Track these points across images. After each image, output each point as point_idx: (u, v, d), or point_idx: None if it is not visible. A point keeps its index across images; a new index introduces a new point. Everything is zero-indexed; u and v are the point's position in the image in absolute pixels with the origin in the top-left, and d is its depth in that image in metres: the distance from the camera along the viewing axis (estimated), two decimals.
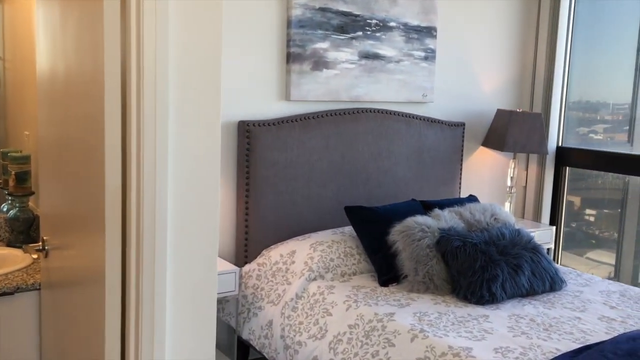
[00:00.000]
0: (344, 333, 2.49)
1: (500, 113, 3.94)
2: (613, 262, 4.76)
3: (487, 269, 2.68)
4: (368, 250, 2.97)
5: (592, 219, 4.82)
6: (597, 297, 2.80)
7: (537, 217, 4.23)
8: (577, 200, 4.63)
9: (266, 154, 3.10)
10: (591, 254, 4.70)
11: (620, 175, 4.41)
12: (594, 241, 4.66)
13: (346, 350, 2.43)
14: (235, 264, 3.15)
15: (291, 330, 2.69)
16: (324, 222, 3.29)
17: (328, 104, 3.37)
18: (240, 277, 3.04)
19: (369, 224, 3.01)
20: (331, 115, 3.33)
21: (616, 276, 4.78)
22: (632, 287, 2.99)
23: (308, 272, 2.85)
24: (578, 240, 4.71)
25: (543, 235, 3.90)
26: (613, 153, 4.12)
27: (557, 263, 4.26)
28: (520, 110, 3.97)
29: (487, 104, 4.08)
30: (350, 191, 3.41)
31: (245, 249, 3.13)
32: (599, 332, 2.37)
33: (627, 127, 4.75)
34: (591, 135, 4.60)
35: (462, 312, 2.52)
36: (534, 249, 2.87)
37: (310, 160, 3.25)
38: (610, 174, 4.38)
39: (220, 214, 3.09)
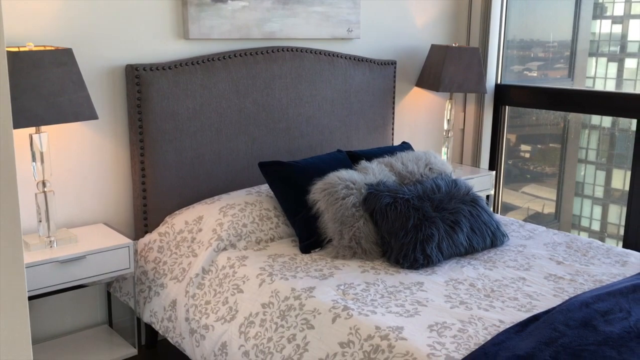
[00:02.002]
0: (257, 314, 2.11)
1: (434, 49, 3.55)
2: (545, 195, 4.73)
3: (421, 228, 2.33)
4: (287, 212, 2.57)
5: (527, 155, 4.77)
6: (541, 252, 2.51)
7: (475, 162, 3.93)
8: (512, 138, 4.49)
9: (163, 103, 2.62)
10: (526, 189, 4.59)
11: (559, 113, 4.21)
12: (528, 176, 4.54)
13: (259, 334, 2.05)
14: (134, 236, 2.70)
15: (197, 312, 2.29)
16: (238, 182, 2.86)
17: (236, 43, 2.88)
18: (137, 251, 2.59)
19: (288, 182, 2.60)
20: (241, 55, 2.85)
21: (557, 210, 4.68)
22: (578, 237, 2.72)
23: (216, 242, 2.44)
24: (514, 176, 4.65)
25: (483, 181, 3.60)
26: (555, 89, 3.83)
27: (497, 211, 4.00)
28: (456, 45, 3.59)
29: (420, 39, 3.68)
30: (268, 144, 2.98)
31: (144, 217, 2.67)
32: (546, 295, 2.08)
33: (561, 64, 4.56)
34: (525, 72, 4.38)
35: (393, 281, 2.17)
36: (473, 201, 2.54)
37: (218, 109, 2.79)
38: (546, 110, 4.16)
39: (110, 178, 2.61)
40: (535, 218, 4.58)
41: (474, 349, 1.69)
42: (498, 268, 2.32)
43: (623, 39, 4.50)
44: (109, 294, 2.71)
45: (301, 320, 1.99)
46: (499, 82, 3.89)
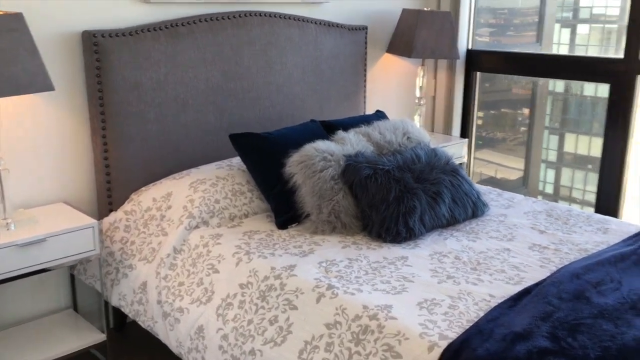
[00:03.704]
0: (235, 295, 2.00)
1: (406, 13, 3.43)
2: (498, 160, 4.76)
3: (402, 200, 2.24)
4: (261, 187, 2.45)
5: (479, 122, 4.76)
6: (523, 221, 2.46)
7: (447, 130, 3.87)
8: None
9: (124, 73, 2.43)
10: (478, 154, 4.57)
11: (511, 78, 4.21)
12: (481, 142, 4.54)
13: (238, 316, 1.95)
14: (98, 215, 2.53)
15: (170, 294, 2.17)
16: (207, 155, 2.71)
17: (200, 7, 2.70)
18: (102, 231, 2.44)
19: (261, 155, 2.47)
20: (206, 21, 2.67)
21: (526, 173, 4.70)
22: (557, 205, 2.69)
23: (188, 219, 2.30)
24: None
25: (456, 149, 3.55)
26: (528, 54, 3.77)
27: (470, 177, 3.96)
28: (428, 9, 3.47)
29: (391, 3, 3.55)
30: (238, 115, 2.83)
31: (108, 195, 2.51)
32: (533, 267, 2.03)
33: (512, 30, 4.55)
34: (477, 38, 4.32)
35: (376, 256, 2.09)
36: (454, 171, 2.47)
37: (184, 79, 2.62)
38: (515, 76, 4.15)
39: (70, 153, 2.43)
40: (490, 182, 4.57)
41: (467, 326, 1.62)
42: (481, 239, 2.26)
43: (575, 5, 4.51)
44: (72, 277, 2.55)
45: (283, 300, 1.89)
46: (470, 47, 3.80)
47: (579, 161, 4.82)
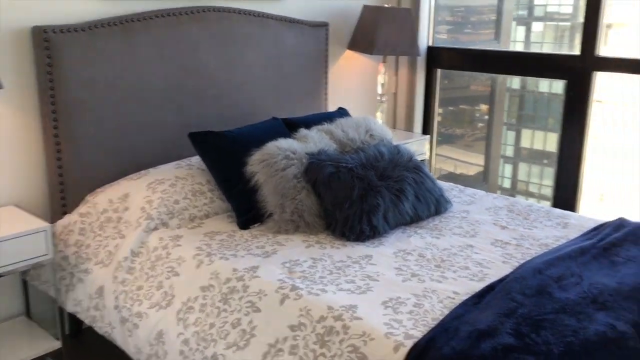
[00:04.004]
0: (196, 298, 1.95)
1: (366, 10, 3.41)
2: (457, 156, 4.80)
3: (366, 198, 2.22)
4: (222, 186, 2.39)
5: (440, 118, 4.80)
6: (485, 217, 2.48)
7: (409, 127, 3.88)
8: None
9: (78, 70, 2.35)
10: (438, 150, 4.60)
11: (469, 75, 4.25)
12: (441, 138, 4.58)
13: (199, 320, 1.89)
14: (51, 218, 2.43)
15: (128, 299, 2.10)
16: (166, 155, 2.63)
17: (157, 2, 2.62)
18: (55, 234, 2.34)
19: (221, 153, 2.42)
20: (163, 16, 2.59)
21: (486, 169, 4.76)
22: (518, 200, 2.72)
23: (146, 221, 2.23)
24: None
25: (418, 145, 3.55)
26: (488, 51, 3.81)
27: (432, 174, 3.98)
28: (389, 5, 3.47)
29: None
30: (198, 113, 2.76)
31: (61, 197, 2.41)
32: (496, 263, 2.04)
33: (470, 28, 4.61)
34: (436, 35, 4.36)
35: (340, 255, 2.06)
36: (416, 168, 2.46)
37: (141, 76, 2.54)
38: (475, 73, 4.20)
39: (20, 154, 2.33)
40: (449, 178, 4.62)
41: (432, 325, 1.61)
42: (445, 236, 2.26)
43: (530, 3, 4.59)
44: (25, 283, 2.45)
45: (246, 303, 1.84)
46: (430, 44, 3.82)
47: (535, 156, 4.91)
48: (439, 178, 4.18)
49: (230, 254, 2.05)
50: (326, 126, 2.60)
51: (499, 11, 4.52)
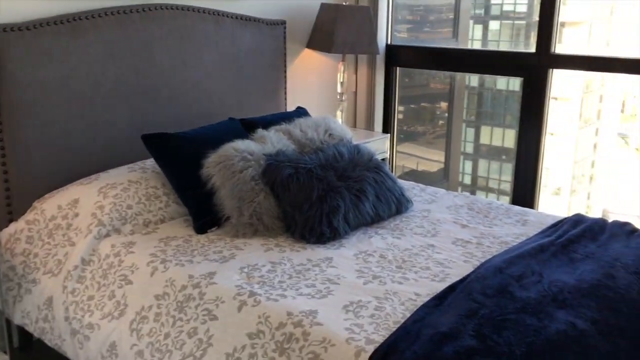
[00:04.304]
0: (150, 307, 1.87)
1: (324, 7, 3.37)
2: (419, 153, 4.84)
3: (325, 199, 2.18)
4: (177, 190, 2.32)
5: (401, 116, 4.80)
6: (446, 215, 2.46)
7: (369, 125, 3.85)
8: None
9: (23, 71, 2.24)
10: (400, 148, 4.61)
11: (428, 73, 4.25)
12: (402, 135, 4.58)
13: (154, 330, 1.82)
14: None
15: (78, 309, 2.01)
16: (119, 158, 2.54)
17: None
18: (1, 243, 2.23)
19: (176, 156, 2.34)
20: (113, 14, 2.50)
21: (446, 166, 4.79)
22: (478, 198, 2.72)
23: (97, 227, 2.14)
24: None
25: (378, 144, 3.53)
26: (446, 49, 3.82)
27: (393, 172, 3.97)
28: (347, 3, 3.43)
29: None
30: (152, 114, 2.67)
31: (7, 204, 2.30)
32: (457, 262, 2.02)
33: (429, 27, 4.64)
34: (395, 34, 4.36)
35: (300, 258, 2.01)
36: (377, 167, 2.43)
37: (90, 76, 2.44)
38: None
39: None
40: (412, 175, 4.63)
41: (394, 328, 1.58)
42: (406, 236, 2.23)
43: (487, 2, 4.65)
44: None
45: (202, 311, 1.78)
46: (389, 43, 3.80)
47: (494, 152, 4.97)
48: (401, 176, 4.18)
49: (186, 259, 1.98)
50: (284, 126, 2.55)
51: (457, 10, 4.56)
